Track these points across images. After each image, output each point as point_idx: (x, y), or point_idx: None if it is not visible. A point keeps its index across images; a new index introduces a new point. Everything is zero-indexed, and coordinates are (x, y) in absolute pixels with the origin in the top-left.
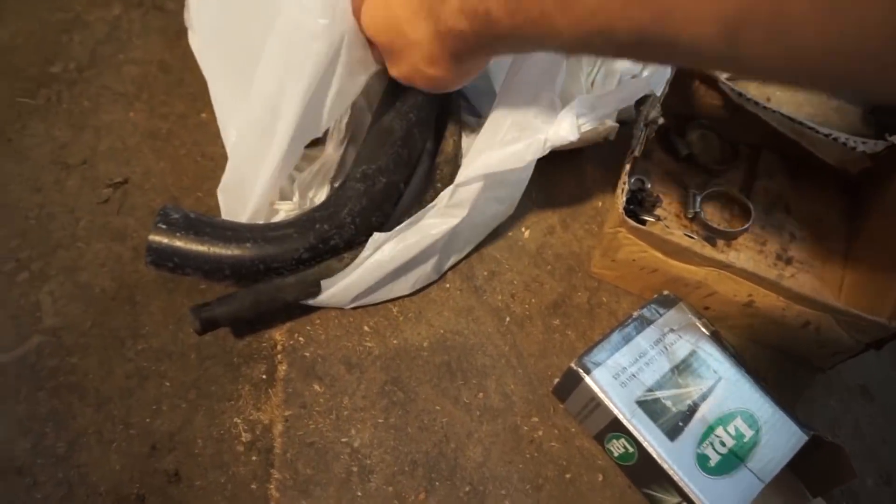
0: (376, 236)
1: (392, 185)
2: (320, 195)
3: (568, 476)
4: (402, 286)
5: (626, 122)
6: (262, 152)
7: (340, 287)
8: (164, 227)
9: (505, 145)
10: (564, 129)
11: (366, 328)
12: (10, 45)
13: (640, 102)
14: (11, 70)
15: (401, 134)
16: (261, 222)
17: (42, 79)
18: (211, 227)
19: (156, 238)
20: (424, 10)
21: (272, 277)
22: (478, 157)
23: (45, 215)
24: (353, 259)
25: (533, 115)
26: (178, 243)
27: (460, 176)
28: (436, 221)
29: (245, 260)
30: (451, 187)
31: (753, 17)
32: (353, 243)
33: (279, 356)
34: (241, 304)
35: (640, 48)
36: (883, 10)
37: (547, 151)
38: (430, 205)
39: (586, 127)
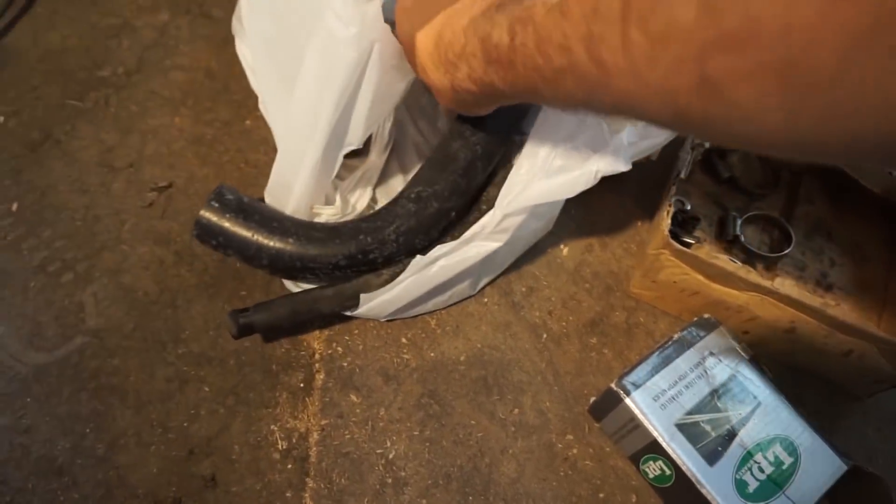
0: (418, 260)
1: (444, 211)
2: (362, 201)
3: (601, 495)
4: (439, 301)
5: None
6: (301, 158)
7: (378, 302)
8: (216, 205)
9: (553, 174)
10: (617, 160)
11: (403, 340)
12: (61, 49)
13: None
14: (62, 73)
15: (463, 164)
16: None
17: (91, 82)
18: (260, 214)
19: (206, 214)
20: (442, 66)
21: (306, 277)
22: (527, 187)
23: (91, 217)
24: (392, 277)
25: (582, 142)
26: (226, 224)
27: (509, 206)
28: (478, 244)
29: (284, 254)
30: (499, 215)
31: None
32: (392, 260)
33: (317, 365)
34: (278, 312)
35: (624, 118)
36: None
37: (597, 182)
38: (475, 229)
39: (637, 157)
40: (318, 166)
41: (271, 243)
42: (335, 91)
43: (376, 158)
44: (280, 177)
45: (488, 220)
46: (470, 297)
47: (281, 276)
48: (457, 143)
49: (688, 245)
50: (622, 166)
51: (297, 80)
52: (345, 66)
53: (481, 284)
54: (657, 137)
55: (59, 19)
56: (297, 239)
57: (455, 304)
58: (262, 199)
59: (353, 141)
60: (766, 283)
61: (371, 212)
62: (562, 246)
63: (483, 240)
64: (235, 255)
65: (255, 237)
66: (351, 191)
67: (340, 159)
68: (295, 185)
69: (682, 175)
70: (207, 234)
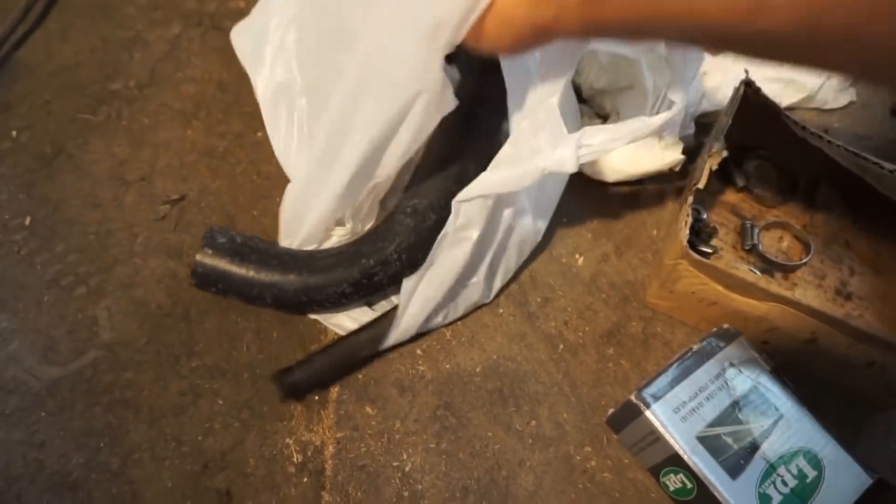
0: (406, 285)
1: (443, 221)
2: (371, 217)
3: None
4: (451, 310)
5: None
6: (321, 187)
7: (396, 333)
8: (210, 251)
9: (501, 167)
10: (565, 160)
11: (418, 352)
12: (73, 62)
13: (705, 134)
14: (74, 86)
15: (456, 169)
16: (309, 248)
17: (103, 95)
18: (256, 253)
19: (202, 261)
20: None
21: (314, 309)
22: (478, 180)
23: (103, 231)
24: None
25: (536, 139)
26: (224, 268)
27: (460, 194)
28: (452, 251)
29: (289, 290)
30: (454, 210)
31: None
32: (398, 279)
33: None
34: (321, 367)
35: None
36: None
37: (545, 176)
38: (441, 235)
39: (587, 158)
40: (340, 197)
41: (273, 281)
42: (371, 133)
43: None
44: (296, 200)
45: (449, 220)
46: (485, 305)
47: (287, 312)
48: (446, 149)
49: (706, 255)
50: (570, 167)
51: (330, 108)
52: (388, 109)
53: (494, 289)
54: (612, 141)
55: (72, 33)
56: (298, 273)
57: (470, 313)
58: (257, 237)
59: (383, 175)
60: (787, 293)
61: (366, 232)
62: (577, 256)
63: (453, 244)
64: (238, 297)
65: (256, 277)
66: (360, 208)
67: (363, 191)
68: (313, 210)
69: (700, 185)
70: (206, 281)
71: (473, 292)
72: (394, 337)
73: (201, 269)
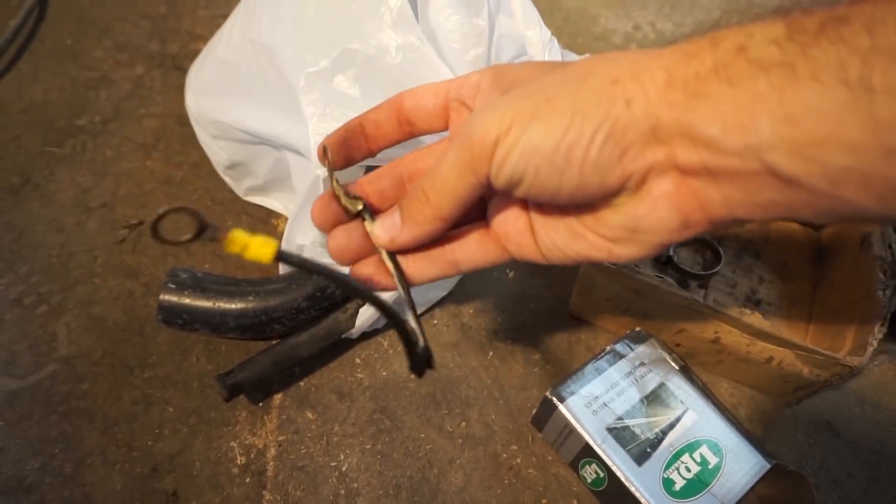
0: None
1: None
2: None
3: (544, 501)
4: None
5: None
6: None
7: (355, 329)
8: (173, 286)
9: None
10: None
11: (357, 360)
12: (43, 101)
13: None
14: (42, 122)
15: None
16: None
17: (69, 130)
18: (216, 284)
19: (166, 298)
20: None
21: (274, 328)
22: None
23: (66, 253)
24: (356, 310)
25: None
26: (187, 301)
27: None
28: None
29: (248, 312)
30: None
31: None
32: None
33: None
34: (262, 367)
35: None
36: None
37: None
38: None
39: None
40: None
41: (233, 306)
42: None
43: None
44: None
45: None
46: (423, 315)
47: (250, 336)
48: None
49: (615, 265)
50: None
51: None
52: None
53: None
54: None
55: (42, 74)
56: (255, 295)
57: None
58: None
59: None
60: (686, 294)
61: None
62: (508, 271)
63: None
64: (202, 328)
65: (217, 305)
66: None
67: None
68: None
69: None
70: (171, 315)
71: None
72: (357, 329)
73: (167, 304)
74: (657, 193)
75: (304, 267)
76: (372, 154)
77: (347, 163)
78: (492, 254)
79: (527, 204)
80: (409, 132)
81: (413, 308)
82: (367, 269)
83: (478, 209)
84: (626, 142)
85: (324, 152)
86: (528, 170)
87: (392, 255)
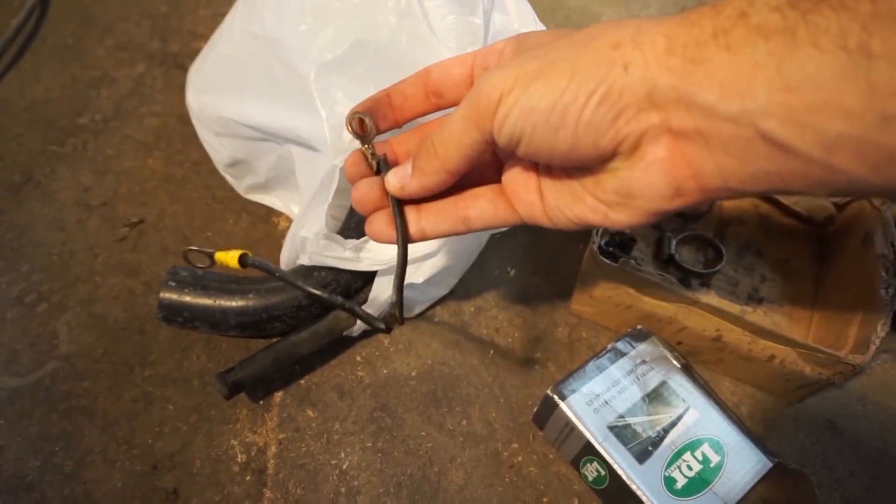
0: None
1: None
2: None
3: (545, 500)
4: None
5: None
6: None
7: (356, 327)
8: (173, 284)
9: None
10: None
11: (358, 358)
12: (45, 99)
13: None
14: (44, 121)
15: None
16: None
17: (71, 129)
18: (216, 281)
19: (166, 295)
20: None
21: (274, 325)
22: None
23: (66, 252)
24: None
25: None
26: (187, 298)
27: None
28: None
29: (249, 310)
30: None
31: None
32: (350, 287)
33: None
34: (263, 364)
35: None
36: None
37: None
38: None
39: None
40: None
41: (234, 304)
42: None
43: None
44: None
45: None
46: (421, 314)
47: (251, 334)
48: None
49: (616, 260)
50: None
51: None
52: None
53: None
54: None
55: (44, 73)
56: (256, 293)
57: (409, 322)
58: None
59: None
60: (688, 293)
61: None
62: (509, 269)
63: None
64: (203, 326)
65: (218, 302)
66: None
67: None
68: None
69: None
70: (172, 312)
71: (437, 289)
72: (358, 327)
73: (167, 301)
74: (650, 159)
75: (266, 270)
76: (398, 125)
77: (373, 133)
78: (502, 213)
79: (537, 166)
80: (436, 104)
81: (403, 265)
82: (380, 220)
83: (493, 171)
84: (621, 105)
85: (352, 121)
86: (526, 128)
87: (399, 206)
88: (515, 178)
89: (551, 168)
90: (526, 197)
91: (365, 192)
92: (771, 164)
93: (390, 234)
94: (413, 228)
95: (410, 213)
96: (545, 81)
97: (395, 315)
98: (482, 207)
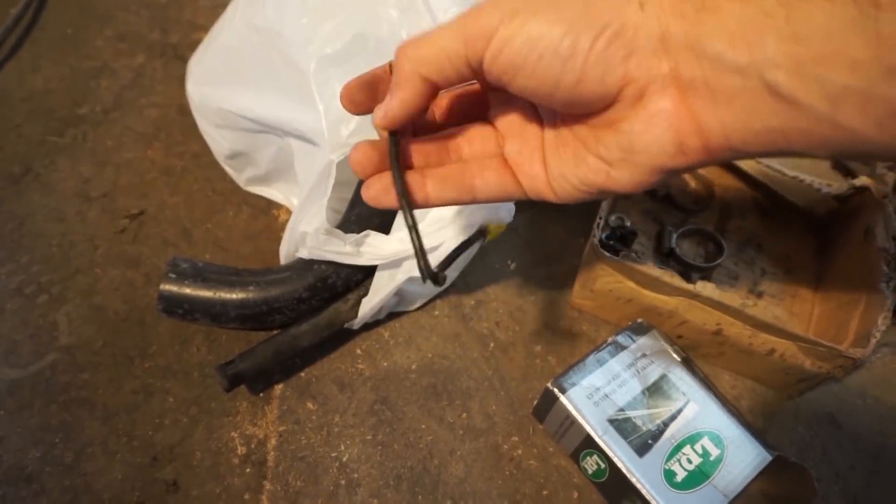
0: (382, 275)
1: (386, 224)
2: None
3: (545, 493)
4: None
5: None
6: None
7: (357, 320)
8: (174, 276)
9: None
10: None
11: (358, 351)
12: (44, 90)
13: None
14: (43, 112)
15: None
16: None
17: (70, 120)
18: (216, 273)
19: (166, 287)
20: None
21: (275, 318)
22: None
23: (66, 243)
24: (358, 301)
25: None
26: (187, 290)
27: None
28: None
29: (249, 302)
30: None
31: None
32: (351, 280)
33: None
34: (263, 356)
35: None
36: None
37: None
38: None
39: None
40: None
41: (234, 296)
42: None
43: None
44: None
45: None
46: (422, 308)
47: (251, 326)
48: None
49: (617, 254)
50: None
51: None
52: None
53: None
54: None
55: (43, 63)
56: (256, 285)
57: (410, 314)
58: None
59: None
60: (689, 286)
61: None
62: (510, 262)
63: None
64: (203, 318)
65: (218, 294)
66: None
67: None
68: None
69: None
70: (172, 304)
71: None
72: (359, 320)
73: (167, 293)
74: (654, 110)
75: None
76: None
77: (369, 108)
78: (508, 185)
79: (542, 125)
80: None
81: (413, 222)
82: (378, 184)
83: (480, 106)
84: (635, 44)
85: (348, 96)
86: (531, 56)
87: (395, 145)
88: (520, 151)
89: (554, 123)
90: (530, 169)
91: (364, 151)
92: (775, 119)
93: (390, 199)
94: (418, 195)
95: (414, 176)
96: (555, 10)
97: (425, 270)
98: (489, 178)
